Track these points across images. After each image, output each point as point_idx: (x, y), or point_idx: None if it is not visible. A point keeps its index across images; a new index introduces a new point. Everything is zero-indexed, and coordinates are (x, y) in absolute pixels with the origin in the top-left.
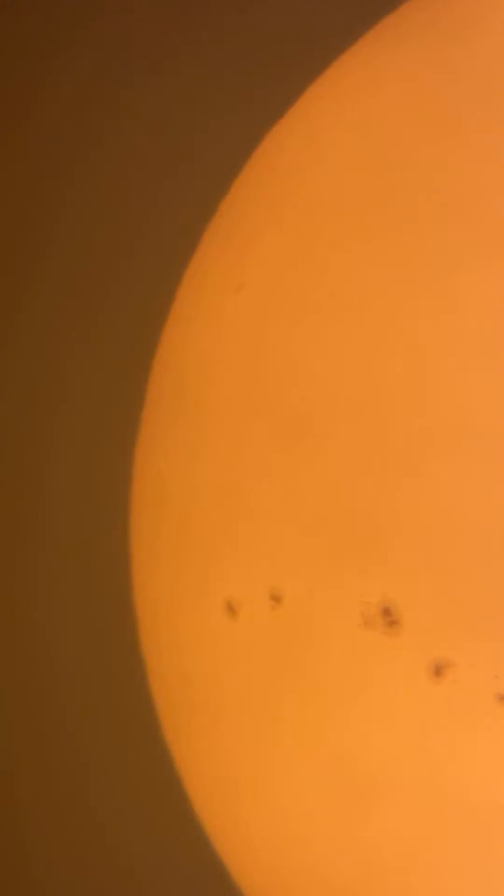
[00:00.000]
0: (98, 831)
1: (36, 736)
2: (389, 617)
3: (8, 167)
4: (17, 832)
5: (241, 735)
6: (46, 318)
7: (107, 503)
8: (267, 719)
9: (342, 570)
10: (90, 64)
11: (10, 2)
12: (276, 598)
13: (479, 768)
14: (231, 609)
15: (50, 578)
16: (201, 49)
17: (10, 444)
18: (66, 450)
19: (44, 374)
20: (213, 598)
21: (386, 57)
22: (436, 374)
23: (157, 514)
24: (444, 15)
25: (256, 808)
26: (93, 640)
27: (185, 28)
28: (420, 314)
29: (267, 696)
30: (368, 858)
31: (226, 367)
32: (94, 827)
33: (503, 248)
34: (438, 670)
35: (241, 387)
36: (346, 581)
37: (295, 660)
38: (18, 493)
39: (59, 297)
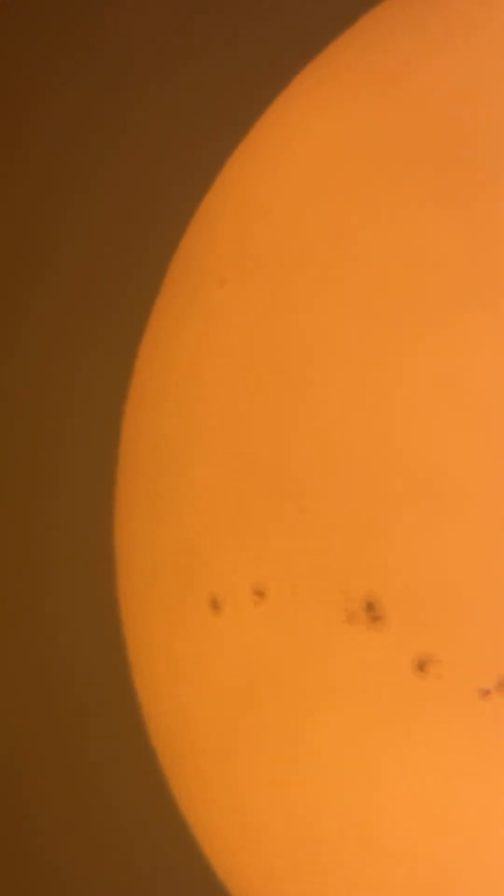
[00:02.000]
0: (82, 827)
1: (19, 731)
2: (373, 612)
3: None
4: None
5: (226, 729)
6: (28, 313)
7: (91, 499)
8: (251, 714)
9: (326, 566)
10: (79, 63)
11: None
12: (259, 594)
13: (462, 763)
14: (215, 605)
15: (34, 575)
16: (185, 51)
17: None
18: (49, 445)
19: (25, 369)
20: (197, 594)
21: (365, 57)
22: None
23: (141, 510)
24: (425, 18)
25: (242, 804)
26: (77, 637)
27: (168, 39)
28: (406, 305)
29: (251, 690)
30: (358, 847)
31: (210, 362)
32: (77, 823)
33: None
34: (422, 665)
35: (226, 381)
36: (330, 576)
37: (279, 655)
38: None
39: (42, 292)
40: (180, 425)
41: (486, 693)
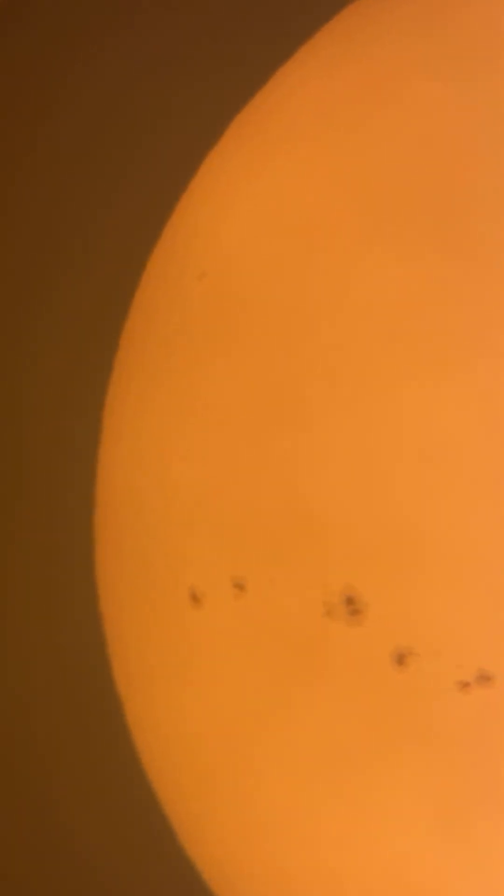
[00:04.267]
0: (64, 822)
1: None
2: (352, 606)
3: None
4: None
5: (206, 721)
6: (5, 306)
7: (71, 494)
8: (231, 706)
9: (305, 559)
10: (55, 43)
11: None
12: (239, 587)
13: (441, 755)
14: (195, 598)
15: (13, 568)
16: (167, 38)
17: None
18: (30, 440)
19: (3, 365)
20: (177, 587)
21: (341, 48)
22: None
23: (121, 505)
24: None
25: (222, 795)
26: (56, 632)
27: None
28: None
29: (231, 682)
30: (340, 836)
31: (189, 355)
32: (60, 819)
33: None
34: (401, 659)
35: (205, 374)
36: (309, 570)
37: (259, 647)
38: None
39: (19, 283)
40: (161, 419)
41: (465, 685)
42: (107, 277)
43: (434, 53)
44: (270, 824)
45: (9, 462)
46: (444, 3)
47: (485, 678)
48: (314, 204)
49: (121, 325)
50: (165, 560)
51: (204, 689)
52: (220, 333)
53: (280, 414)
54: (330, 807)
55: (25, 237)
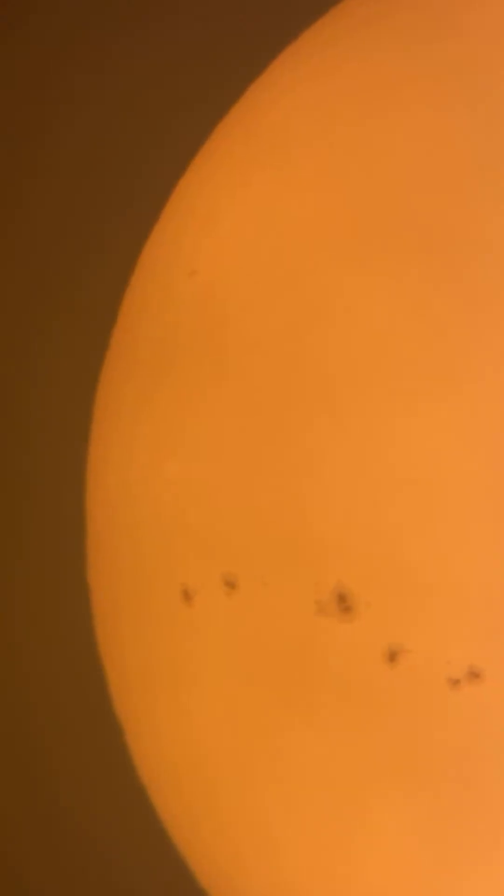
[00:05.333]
0: (53, 819)
1: None
2: (344, 603)
3: None
4: None
5: (198, 719)
6: None
7: (62, 491)
8: (222, 703)
9: (297, 557)
10: (45, 47)
11: None
12: (231, 585)
13: (432, 752)
14: (187, 596)
15: (3, 571)
16: (157, 38)
17: None
18: (19, 438)
19: None
20: (168, 585)
21: (335, 45)
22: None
23: (112, 503)
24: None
25: (213, 792)
26: (48, 629)
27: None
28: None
29: (223, 681)
30: (332, 838)
31: (180, 353)
32: (48, 815)
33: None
34: (393, 656)
35: (195, 372)
36: (301, 567)
37: (251, 645)
38: None
39: (6, 281)
40: (151, 417)
41: (455, 683)
42: (97, 274)
43: (432, 63)
44: (262, 822)
45: None
46: (445, 5)
47: (474, 675)
48: (310, 201)
49: (111, 323)
50: (157, 558)
51: (195, 687)
52: (212, 332)
53: (272, 412)
54: (322, 804)
55: (14, 233)
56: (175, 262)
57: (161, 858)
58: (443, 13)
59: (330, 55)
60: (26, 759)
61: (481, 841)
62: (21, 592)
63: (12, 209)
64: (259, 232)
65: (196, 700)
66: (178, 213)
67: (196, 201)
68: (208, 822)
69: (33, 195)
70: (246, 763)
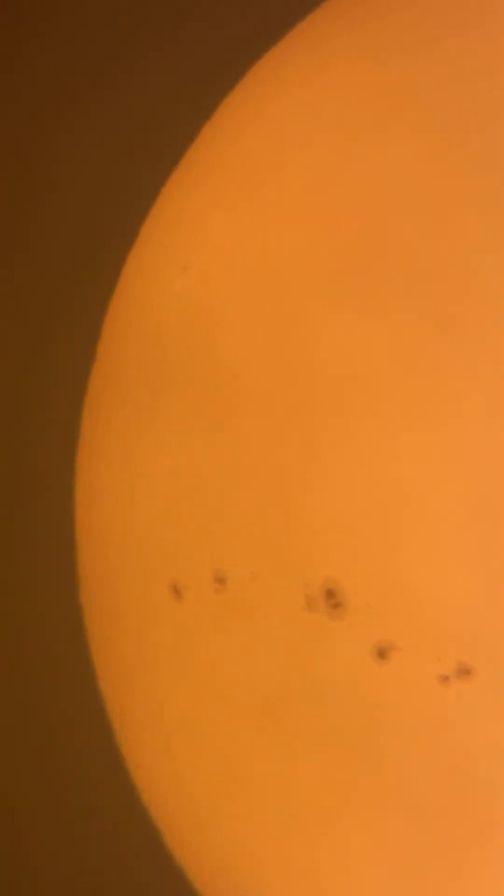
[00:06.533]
0: (42, 814)
1: None
2: (333, 599)
3: None
4: None
5: (186, 716)
6: None
7: (51, 487)
8: (211, 700)
9: (286, 553)
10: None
11: None
12: (220, 581)
13: (422, 749)
14: (176, 591)
15: None
16: (147, 35)
17: None
18: (9, 432)
19: None
20: (158, 581)
21: (331, 40)
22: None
23: (101, 498)
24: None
25: (205, 784)
26: (37, 625)
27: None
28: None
29: (212, 676)
30: (319, 828)
31: (171, 349)
32: (37, 811)
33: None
34: (382, 652)
35: (186, 368)
36: (290, 563)
37: (240, 641)
38: None
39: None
40: (141, 413)
41: (445, 679)
42: (87, 271)
43: (426, 70)
44: (249, 815)
45: None
46: (438, 17)
47: (465, 672)
48: (300, 196)
49: (102, 317)
50: (146, 553)
51: (184, 682)
52: (203, 328)
53: (262, 408)
54: (311, 799)
55: (4, 226)
56: (167, 256)
57: (150, 849)
58: (433, 18)
59: (321, 53)
60: (13, 750)
61: (474, 835)
62: (11, 590)
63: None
64: (251, 227)
65: (186, 695)
66: (170, 206)
67: (189, 195)
68: (196, 809)
69: (20, 186)
70: (232, 754)
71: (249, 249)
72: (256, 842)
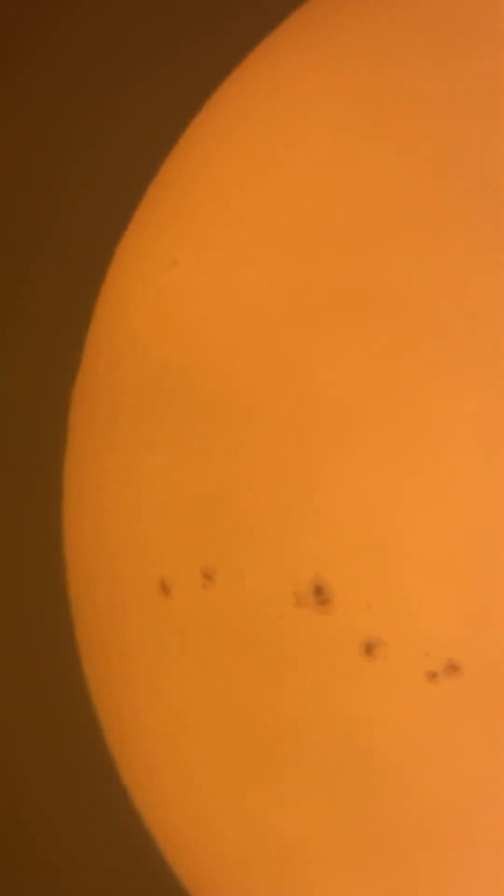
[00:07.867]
0: (32, 818)
1: None
2: (321, 595)
3: None
4: None
5: (175, 711)
6: None
7: (39, 483)
8: (200, 694)
9: (274, 549)
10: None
11: None
12: (208, 577)
13: (410, 744)
14: (164, 587)
15: None
16: (136, 26)
17: None
18: None
19: None
20: (146, 577)
21: (311, 41)
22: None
23: (89, 495)
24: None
25: (190, 782)
26: (25, 622)
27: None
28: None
29: (200, 671)
30: (310, 823)
31: (159, 344)
32: (30, 808)
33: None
34: (370, 648)
35: (174, 363)
36: (278, 559)
37: (228, 636)
38: None
39: None
40: (130, 409)
41: (433, 676)
42: (74, 266)
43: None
44: (235, 809)
45: None
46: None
47: (453, 668)
48: (287, 192)
49: (90, 314)
50: (135, 550)
51: (173, 679)
52: (192, 323)
53: (251, 406)
54: (299, 793)
55: None
56: (155, 252)
57: (142, 848)
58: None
59: (312, 51)
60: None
61: (462, 829)
62: None
63: None
64: (238, 223)
65: (174, 690)
66: (157, 202)
67: (176, 191)
68: (184, 806)
69: (8, 182)
70: (221, 751)
71: (236, 245)
72: (247, 838)
